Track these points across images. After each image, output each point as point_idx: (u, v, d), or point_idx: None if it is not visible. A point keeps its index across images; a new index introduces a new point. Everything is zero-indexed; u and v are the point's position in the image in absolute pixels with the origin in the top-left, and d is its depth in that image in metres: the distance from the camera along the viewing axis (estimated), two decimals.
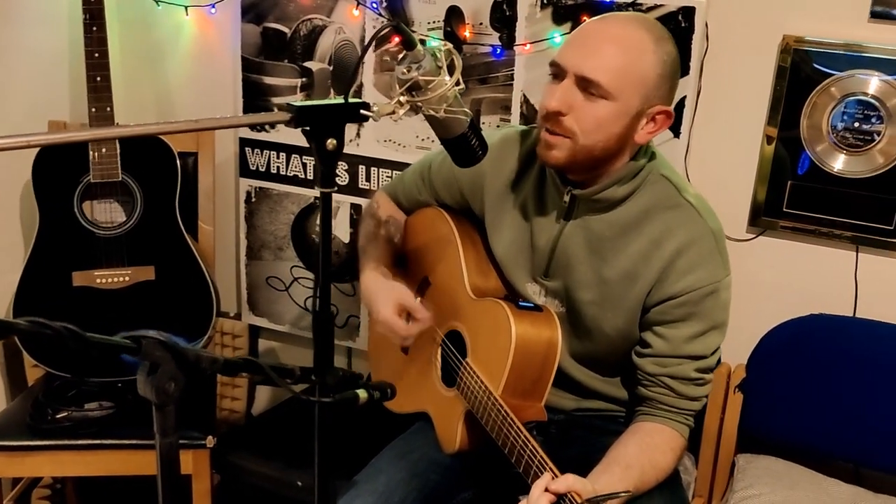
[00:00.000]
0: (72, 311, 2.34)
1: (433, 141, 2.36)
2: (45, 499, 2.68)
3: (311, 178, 2.59)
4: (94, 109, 2.30)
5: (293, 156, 2.59)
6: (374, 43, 2.35)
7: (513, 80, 2.24)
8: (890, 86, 1.92)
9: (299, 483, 2.13)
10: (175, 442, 1.13)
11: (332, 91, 2.49)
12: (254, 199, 2.70)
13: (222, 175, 2.70)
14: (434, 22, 2.29)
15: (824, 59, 1.96)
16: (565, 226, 1.69)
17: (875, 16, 1.91)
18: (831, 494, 1.92)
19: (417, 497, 1.67)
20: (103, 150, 2.33)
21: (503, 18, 2.21)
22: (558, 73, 1.58)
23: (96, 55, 2.29)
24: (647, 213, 1.64)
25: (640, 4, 2.05)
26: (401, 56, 1.34)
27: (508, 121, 2.27)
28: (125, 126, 0.97)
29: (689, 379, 1.64)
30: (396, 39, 2.34)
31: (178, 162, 2.41)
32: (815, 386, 2.05)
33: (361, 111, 1.25)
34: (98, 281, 2.35)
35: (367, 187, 2.52)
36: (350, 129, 2.48)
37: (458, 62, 1.33)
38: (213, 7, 2.57)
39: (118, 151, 2.33)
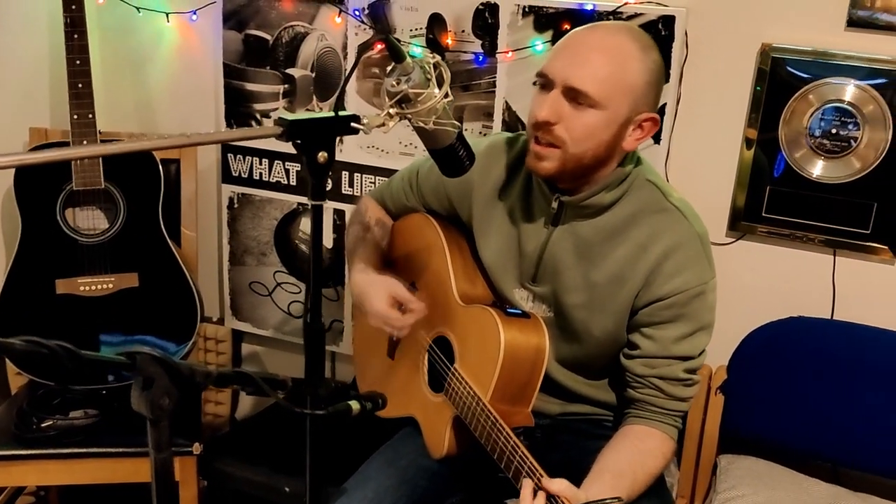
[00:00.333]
0: (55, 320, 2.34)
1: (416, 147, 2.39)
2: None
3: (294, 184, 2.60)
4: (75, 116, 2.29)
5: (276, 162, 2.60)
6: (358, 52, 2.38)
7: (495, 87, 2.26)
8: (866, 92, 1.96)
9: (286, 489, 2.14)
10: (169, 457, 1.14)
11: (314, 98, 2.50)
12: (236, 205, 2.70)
13: (204, 181, 2.71)
14: (416, 29, 2.31)
15: (802, 67, 2.00)
16: (553, 232, 1.71)
17: (852, 24, 1.94)
18: (812, 494, 1.96)
19: (407, 503, 1.69)
20: (85, 160, 2.32)
21: (485, 26, 2.23)
22: (546, 83, 1.60)
23: (78, 62, 2.29)
24: (633, 218, 1.66)
25: (621, 13, 2.08)
26: (389, 68, 1.36)
27: (491, 127, 2.30)
28: (120, 142, 0.98)
29: (677, 379, 1.66)
30: (379, 46, 2.35)
31: (160, 169, 2.41)
32: (794, 387, 2.09)
33: (352, 124, 1.25)
34: (81, 288, 2.35)
35: (351, 193, 2.53)
36: None
37: (447, 74, 1.35)
38: (195, 14, 2.57)
39: (101, 159, 2.33)
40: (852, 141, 1.99)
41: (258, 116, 2.58)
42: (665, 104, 2.10)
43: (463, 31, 2.26)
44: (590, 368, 1.80)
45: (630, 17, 2.07)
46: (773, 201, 2.11)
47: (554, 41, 2.16)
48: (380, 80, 2.40)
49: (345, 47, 2.41)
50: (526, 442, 1.57)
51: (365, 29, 2.36)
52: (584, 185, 1.66)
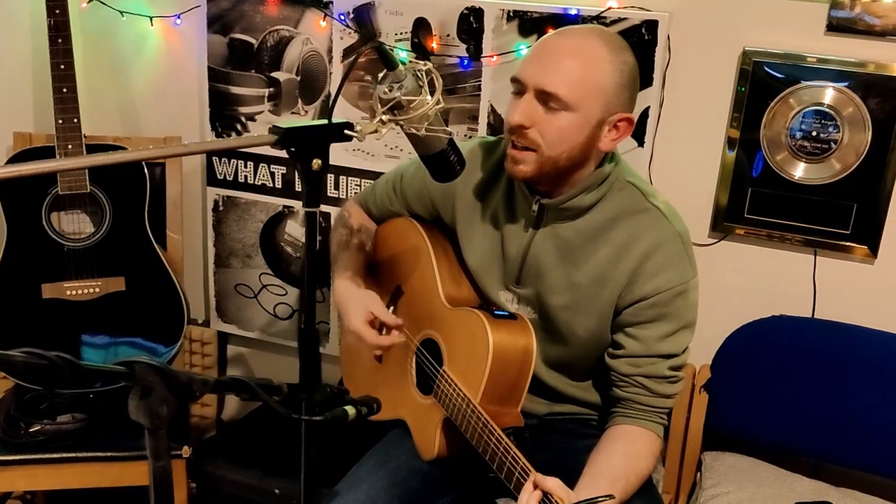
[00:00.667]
0: (42, 324, 2.34)
1: (401, 150, 2.40)
2: None
3: (280, 186, 2.61)
4: (60, 121, 2.29)
5: (261, 165, 2.61)
6: (343, 55, 2.39)
7: (480, 90, 2.28)
8: (845, 95, 1.99)
9: (277, 491, 2.15)
10: (168, 465, 1.14)
11: (299, 101, 2.50)
12: (221, 208, 2.71)
13: (189, 184, 2.71)
14: (401, 33, 2.32)
15: (782, 71, 2.03)
16: (535, 234, 1.74)
17: (831, 28, 1.98)
18: (795, 490, 2.00)
19: None
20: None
21: (470, 30, 2.25)
22: (520, 88, 1.63)
23: (62, 66, 2.29)
24: (614, 219, 1.69)
25: (605, 18, 2.10)
26: (381, 75, 1.37)
27: (476, 130, 2.32)
28: (118, 152, 0.98)
29: (662, 377, 1.69)
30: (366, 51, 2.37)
31: (146, 172, 2.41)
32: (776, 385, 2.13)
33: (346, 131, 1.27)
34: (68, 293, 2.35)
35: (336, 196, 2.54)
36: None
37: (439, 81, 1.36)
38: (179, 18, 2.57)
39: None
40: (832, 143, 2.03)
41: (243, 120, 2.59)
42: (648, 107, 2.12)
43: (448, 36, 2.27)
44: (575, 369, 1.82)
45: (614, 22, 2.10)
46: (754, 202, 2.14)
47: None
48: (365, 83, 2.41)
49: (330, 51, 2.42)
50: (515, 442, 1.59)
51: (350, 33, 2.37)
52: (564, 187, 1.69)
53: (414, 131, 1.37)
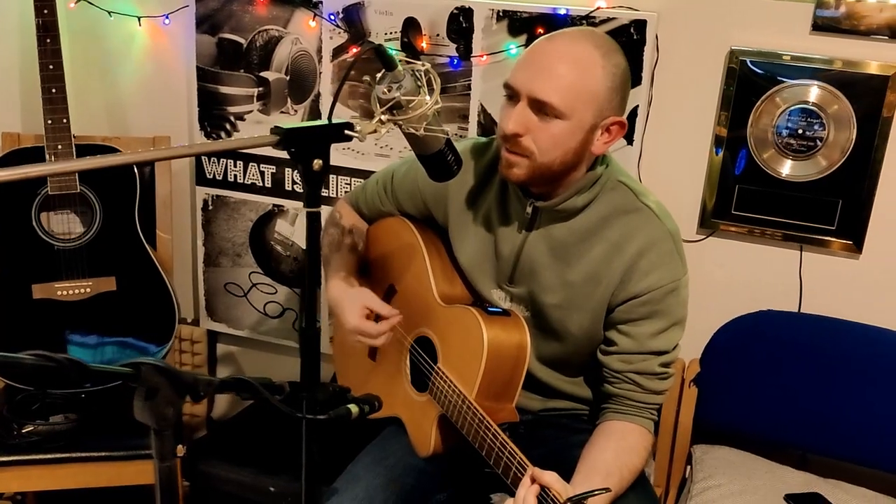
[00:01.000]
0: (33, 325, 2.33)
1: (391, 149, 2.42)
2: None
3: (270, 186, 2.62)
4: (49, 121, 2.29)
5: (251, 164, 2.61)
6: (332, 55, 2.40)
7: (470, 90, 2.30)
8: (830, 94, 2.03)
9: (272, 489, 2.16)
10: (174, 465, 1.15)
11: (289, 100, 2.51)
12: (211, 207, 2.71)
13: (178, 184, 2.71)
14: (391, 33, 2.33)
15: (769, 69, 2.06)
16: (528, 236, 1.75)
17: (816, 28, 2.01)
18: (785, 481, 2.03)
19: (396, 501, 1.72)
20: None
21: (460, 30, 2.26)
22: (512, 94, 1.64)
23: (51, 67, 2.28)
24: (607, 219, 1.71)
25: (594, 17, 2.13)
26: (379, 76, 1.39)
27: (466, 129, 2.33)
28: (117, 155, 0.99)
29: (653, 374, 1.71)
30: (354, 50, 2.38)
31: (136, 172, 2.42)
32: (764, 378, 2.16)
33: (346, 131, 1.28)
34: (59, 293, 2.35)
35: (326, 195, 2.55)
36: None
37: (437, 81, 1.38)
38: (167, 18, 2.58)
39: None
40: (818, 141, 2.06)
41: (232, 119, 2.59)
42: (637, 106, 2.15)
43: (438, 35, 2.29)
44: (568, 365, 1.84)
45: (603, 22, 2.12)
46: (741, 199, 2.17)
47: (528, 45, 2.19)
48: (354, 82, 2.42)
49: (319, 51, 2.43)
50: (510, 437, 1.61)
51: (339, 33, 2.38)
52: (557, 190, 1.71)
53: (413, 131, 1.39)
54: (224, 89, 2.58)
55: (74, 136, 2.34)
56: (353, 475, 1.77)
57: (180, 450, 2.18)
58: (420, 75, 1.36)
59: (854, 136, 2.04)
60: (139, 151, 1.08)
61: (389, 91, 1.36)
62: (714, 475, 2.04)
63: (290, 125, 1.23)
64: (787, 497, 1.96)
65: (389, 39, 2.34)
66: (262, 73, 2.52)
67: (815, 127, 2.05)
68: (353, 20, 2.36)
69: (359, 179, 2.45)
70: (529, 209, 1.72)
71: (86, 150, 2.37)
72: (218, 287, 2.80)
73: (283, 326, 2.78)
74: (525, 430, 1.82)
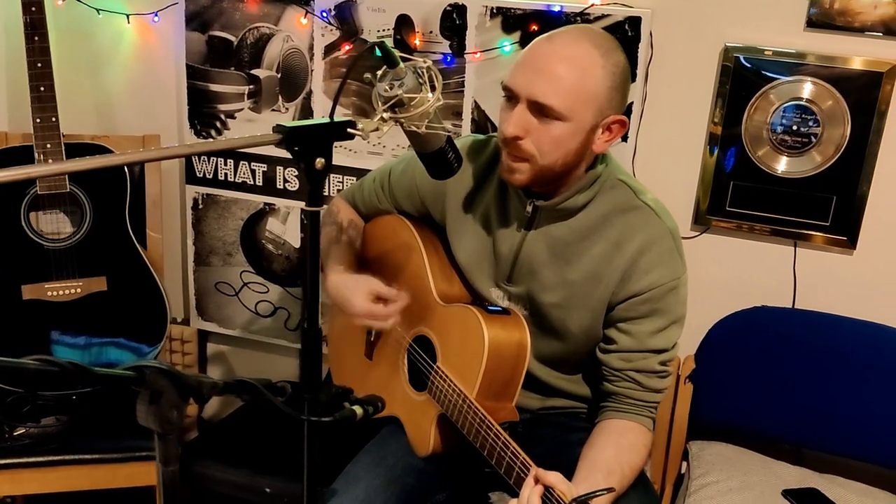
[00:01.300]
0: (23, 326, 2.31)
1: (385, 147, 2.41)
2: None
3: (261, 184, 2.60)
4: (38, 120, 2.27)
5: (241, 162, 2.60)
6: (324, 53, 2.39)
7: (464, 86, 2.29)
8: (825, 90, 2.03)
9: (267, 490, 2.14)
10: (177, 470, 1.14)
11: (280, 98, 2.49)
12: (201, 206, 2.69)
13: (167, 182, 2.69)
14: (384, 30, 2.32)
15: (763, 66, 2.06)
16: (527, 234, 1.75)
17: (811, 25, 2.01)
18: (781, 477, 2.03)
19: (397, 502, 1.71)
20: (49, 161, 2.29)
21: (453, 27, 2.25)
22: (511, 96, 1.62)
23: (39, 65, 2.26)
24: (607, 217, 1.70)
25: (588, 14, 2.12)
26: (381, 73, 1.37)
27: (460, 126, 2.32)
28: (118, 154, 0.98)
29: (653, 372, 1.71)
30: (347, 47, 2.36)
31: (126, 171, 2.40)
32: (759, 374, 2.16)
33: (348, 129, 1.27)
34: (49, 294, 2.32)
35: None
36: None
37: (439, 78, 1.37)
38: (156, 15, 2.55)
39: (65, 162, 2.30)
40: (812, 137, 2.06)
41: (223, 117, 2.57)
42: (632, 103, 2.15)
43: (431, 32, 2.28)
44: (567, 364, 1.84)
45: (597, 18, 2.11)
46: (736, 196, 2.17)
47: (522, 42, 2.19)
48: (349, 80, 2.40)
49: (311, 48, 2.42)
50: (510, 437, 1.61)
51: (332, 30, 2.37)
52: (558, 189, 1.70)
53: (414, 129, 1.38)
54: (214, 87, 2.55)
55: (63, 135, 2.31)
56: (352, 476, 1.76)
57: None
58: (422, 72, 1.35)
59: (848, 133, 2.04)
60: (139, 151, 1.07)
61: (391, 89, 1.34)
62: (711, 471, 2.05)
63: (293, 124, 1.21)
64: (785, 493, 1.96)
65: (382, 37, 2.32)
66: (253, 71, 2.50)
67: (810, 123, 2.06)
68: (345, 17, 2.35)
69: (351, 178, 2.44)
70: (530, 208, 1.71)
71: (75, 149, 2.34)
72: (208, 286, 2.78)
73: (275, 325, 2.76)
74: (524, 428, 1.81)
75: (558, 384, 1.86)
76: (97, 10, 2.56)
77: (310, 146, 1.24)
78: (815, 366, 2.13)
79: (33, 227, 2.31)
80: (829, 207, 2.11)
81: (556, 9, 2.14)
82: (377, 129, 1.33)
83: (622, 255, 1.68)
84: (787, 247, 2.20)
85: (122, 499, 2.29)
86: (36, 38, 2.24)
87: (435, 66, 1.39)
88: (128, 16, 2.56)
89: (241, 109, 2.55)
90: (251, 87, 2.52)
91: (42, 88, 2.26)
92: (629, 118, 2.12)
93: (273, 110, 2.51)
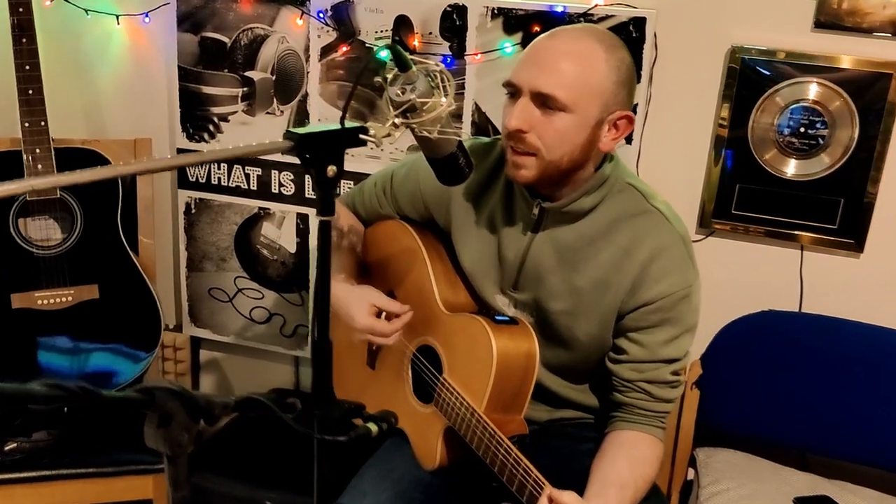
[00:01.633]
0: (13, 335, 2.25)
1: (383, 150, 2.36)
2: None
3: (255, 188, 2.55)
4: (27, 124, 2.21)
5: (235, 167, 2.54)
6: (320, 54, 2.34)
7: (464, 88, 2.25)
8: (833, 92, 2.00)
9: (268, 502, 2.10)
10: (188, 495, 1.09)
11: (275, 101, 2.44)
12: (193, 211, 2.64)
13: (159, 187, 2.63)
14: (382, 31, 2.27)
15: (770, 67, 2.03)
16: (534, 238, 1.70)
17: (819, 25, 1.98)
18: (792, 484, 2.01)
19: None
20: (39, 166, 2.24)
21: (453, 28, 2.21)
22: (514, 91, 1.59)
23: (27, 67, 2.20)
24: (615, 222, 1.66)
25: (591, 15, 2.08)
26: (391, 77, 1.33)
27: (461, 128, 2.28)
28: (124, 165, 0.93)
29: (665, 382, 1.68)
30: (344, 49, 2.32)
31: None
32: (767, 379, 2.14)
33: (360, 136, 1.23)
34: (39, 302, 2.26)
35: (314, 197, 2.48)
36: None
37: (451, 82, 1.32)
38: (147, 16, 2.49)
39: (55, 167, 2.25)
40: (820, 139, 2.03)
41: (215, 120, 2.52)
42: (636, 105, 2.11)
43: (430, 34, 2.23)
44: (575, 372, 1.80)
45: (601, 19, 2.07)
46: (741, 198, 2.14)
47: (523, 43, 2.15)
48: (343, 82, 2.36)
49: (307, 49, 2.36)
50: (518, 448, 1.57)
51: (328, 31, 2.32)
52: (565, 190, 1.66)
53: (426, 134, 1.33)
54: (207, 90, 2.50)
55: (52, 140, 2.25)
56: (358, 490, 1.72)
57: None
58: (434, 76, 1.31)
59: (856, 135, 2.01)
60: (147, 160, 1.02)
61: (403, 93, 1.30)
62: (721, 479, 2.02)
63: (304, 130, 1.17)
64: (797, 500, 1.94)
65: (380, 38, 2.28)
66: (247, 73, 2.45)
67: (817, 125, 2.03)
68: (342, 18, 2.30)
69: (349, 182, 2.39)
70: (536, 210, 1.67)
71: (64, 153, 2.28)
72: (202, 292, 2.72)
73: (270, 332, 2.71)
74: (531, 440, 1.77)
75: (566, 394, 1.82)
76: (86, 11, 2.50)
77: (321, 153, 1.19)
78: (822, 370, 2.11)
79: (22, 234, 2.25)
80: (837, 210, 2.08)
81: (559, 9, 2.10)
82: (389, 135, 1.29)
83: (632, 261, 1.64)
84: (794, 250, 2.17)
85: None
86: (24, 40, 2.19)
87: (448, 70, 1.35)
88: (117, 16, 2.50)
89: (235, 112, 2.49)
90: (245, 89, 2.47)
91: (30, 92, 2.20)
92: None
93: (268, 113, 2.46)
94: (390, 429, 1.27)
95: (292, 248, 2.58)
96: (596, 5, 2.07)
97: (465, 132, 2.28)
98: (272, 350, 2.74)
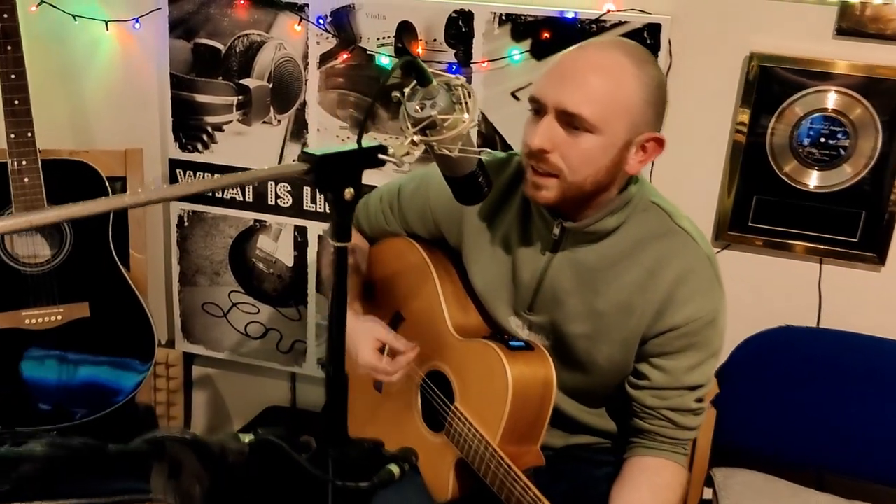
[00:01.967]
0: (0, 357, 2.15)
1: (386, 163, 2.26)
2: None
3: (251, 200, 2.46)
4: (13, 135, 2.13)
5: None
6: (319, 61, 2.25)
7: None
8: (855, 100, 1.93)
9: None
10: None
11: (272, 110, 2.35)
12: (186, 224, 2.54)
13: None
14: (384, 38, 2.19)
15: (790, 76, 1.96)
16: (552, 259, 1.62)
17: (841, 32, 1.91)
18: None
19: None
20: (25, 179, 2.15)
21: (459, 35, 2.13)
22: (538, 107, 1.50)
23: (13, 76, 2.12)
24: (640, 242, 1.58)
25: (604, 21, 2.00)
26: (409, 91, 1.24)
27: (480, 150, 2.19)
28: (138, 194, 0.84)
29: (688, 409, 1.60)
30: (345, 56, 2.23)
31: (108, 188, 2.25)
32: (784, 397, 2.07)
33: (379, 156, 1.14)
34: (27, 322, 2.17)
35: (313, 209, 2.40)
36: (294, 149, 2.36)
37: (474, 97, 1.24)
38: (137, 21, 2.40)
39: (42, 181, 2.15)
40: (841, 150, 1.96)
41: (209, 130, 2.42)
42: None
43: (435, 41, 2.15)
44: (591, 396, 1.73)
45: (614, 26, 2.00)
46: (759, 210, 2.07)
47: (533, 51, 2.07)
48: (343, 91, 2.27)
49: (305, 56, 2.28)
50: (534, 476, 1.50)
51: (328, 37, 2.23)
52: (587, 210, 1.57)
53: (447, 152, 1.25)
54: (200, 98, 2.41)
55: (39, 151, 2.16)
56: None
57: None
58: (456, 90, 1.22)
59: (879, 145, 1.94)
60: (156, 190, 0.93)
61: (423, 109, 1.21)
62: (741, 501, 1.95)
63: (321, 151, 1.08)
64: None
65: (382, 45, 2.19)
66: (243, 81, 2.36)
67: (839, 135, 1.96)
68: (342, 24, 2.21)
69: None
70: (557, 230, 1.59)
71: (52, 165, 2.20)
72: (195, 307, 2.63)
73: (265, 347, 2.62)
74: (547, 465, 1.69)
75: (582, 418, 1.74)
76: (73, 17, 2.40)
77: (339, 175, 1.11)
78: (841, 387, 2.04)
79: (8, 251, 2.16)
80: (858, 222, 2.01)
81: (570, 16, 2.02)
82: (408, 154, 1.20)
83: (657, 284, 1.55)
84: (813, 263, 2.10)
85: None
86: (9, 48, 2.10)
87: (468, 84, 1.26)
88: (106, 22, 2.40)
89: (230, 122, 2.40)
90: (240, 97, 2.37)
91: (16, 101, 2.12)
92: None
93: (264, 122, 2.37)
94: (411, 469, 1.18)
95: (289, 262, 2.49)
96: (608, 11, 2.00)
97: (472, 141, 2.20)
98: (268, 366, 2.65)
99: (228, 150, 2.42)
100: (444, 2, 2.12)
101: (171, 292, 2.65)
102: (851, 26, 1.90)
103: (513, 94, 2.12)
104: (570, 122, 1.46)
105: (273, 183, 2.42)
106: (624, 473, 1.61)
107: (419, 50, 2.15)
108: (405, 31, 2.16)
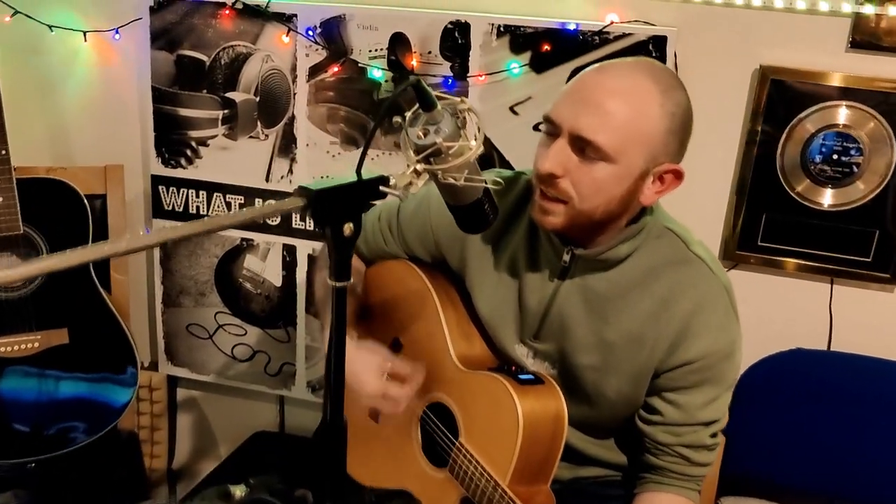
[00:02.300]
0: None
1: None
2: None
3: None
4: None
5: (215, 195, 2.35)
6: (309, 74, 2.16)
7: None
8: (868, 115, 1.86)
9: None
10: None
11: (258, 124, 2.25)
12: (169, 243, 2.44)
13: (133, 217, 2.44)
14: (376, 50, 2.10)
15: (801, 90, 1.88)
16: (560, 286, 1.53)
17: (854, 45, 1.84)
18: None
19: None
20: (0, 199, 2.04)
21: (455, 47, 2.04)
22: (552, 130, 1.41)
23: None
24: (653, 270, 1.50)
25: (607, 33, 1.92)
26: (411, 115, 1.15)
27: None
28: (145, 236, 0.75)
29: (703, 446, 1.53)
30: (335, 69, 2.13)
31: (87, 207, 2.15)
32: (794, 423, 2.01)
33: (380, 188, 1.06)
34: (2, 350, 2.06)
35: (302, 227, 2.30)
36: (282, 165, 2.26)
37: (480, 122, 1.15)
38: (117, 32, 2.29)
39: (17, 201, 2.05)
40: (854, 167, 1.89)
41: (193, 145, 2.32)
42: None
43: (430, 53, 2.06)
44: (599, 428, 1.64)
45: (618, 38, 1.91)
46: (768, 229, 1.99)
47: (532, 64, 1.99)
48: (333, 105, 2.18)
49: (294, 69, 2.18)
50: None
51: (317, 49, 2.14)
52: (598, 237, 1.49)
53: (452, 181, 1.16)
54: (184, 112, 2.30)
55: (14, 168, 2.06)
56: None
57: None
58: (462, 115, 1.14)
59: (894, 162, 1.87)
60: (160, 231, 0.83)
61: (426, 135, 1.12)
62: None
63: (318, 185, 0.99)
64: None
65: (374, 57, 2.10)
66: (228, 94, 2.26)
67: (851, 152, 1.88)
68: (332, 36, 2.12)
69: None
70: (567, 257, 1.50)
71: (28, 184, 2.09)
72: (179, 329, 2.53)
73: (253, 370, 2.52)
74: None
75: (589, 450, 1.65)
76: (50, 27, 2.29)
77: (337, 210, 1.02)
78: (852, 413, 1.98)
79: None
80: (871, 242, 1.94)
81: (572, 27, 1.93)
82: (411, 184, 1.11)
83: (671, 315, 1.47)
84: (823, 284, 2.02)
85: None
86: None
87: (473, 107, 1.17)
88: (84, 33, 2.30)
89: (215, 136, 2.30)
90: (226, 111, 2.27)
91: None
92: None
93: (251, 137, 2.27)
94: None
95: (277, 282, 2.40)
96: (612, 23, 1.91)
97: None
98: (255, 389, 2.55)
99: (213, 166, 2.32)
100: (439, 12, 2.03)
101: (155, 313, 2.54)
102: (866, 39, 1.83)
103: (511, 109, 2.04)
104: (584, 148, 1.37)
105: (261, 200, 2.32)
106: None
107: (413, 63, 2.06)
108: (398, 43, 2.07)
